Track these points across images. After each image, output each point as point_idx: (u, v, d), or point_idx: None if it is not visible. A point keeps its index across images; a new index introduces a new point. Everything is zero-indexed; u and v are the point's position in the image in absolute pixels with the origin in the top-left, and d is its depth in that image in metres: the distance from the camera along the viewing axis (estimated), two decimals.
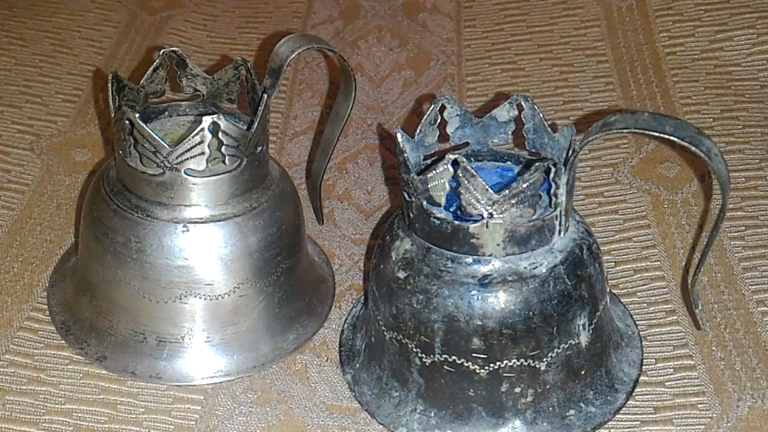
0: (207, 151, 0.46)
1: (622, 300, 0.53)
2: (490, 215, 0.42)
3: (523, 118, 0.46)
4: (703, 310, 0.51)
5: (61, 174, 0.63)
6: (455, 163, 0.42)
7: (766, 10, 0.74)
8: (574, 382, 0.46)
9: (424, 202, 0.44)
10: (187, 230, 0.48)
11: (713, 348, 0.50)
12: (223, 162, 0.48)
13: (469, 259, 0.44)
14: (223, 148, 0.47)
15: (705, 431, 0.46)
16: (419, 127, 0.46)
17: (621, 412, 0.47)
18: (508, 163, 0.48)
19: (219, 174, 0.48)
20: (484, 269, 0.44)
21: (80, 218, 0.52)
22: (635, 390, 0.48)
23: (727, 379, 0.49)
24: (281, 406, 0.48)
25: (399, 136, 0.45)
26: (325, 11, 0.82)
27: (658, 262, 0.56)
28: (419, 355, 0.46)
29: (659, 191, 0.61)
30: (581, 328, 0.45)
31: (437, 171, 0.42)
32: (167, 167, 0.47)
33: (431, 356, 0.45)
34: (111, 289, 0.50)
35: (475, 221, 0.43)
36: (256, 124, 0.48)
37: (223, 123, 0.46)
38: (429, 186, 0.43)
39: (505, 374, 0.45)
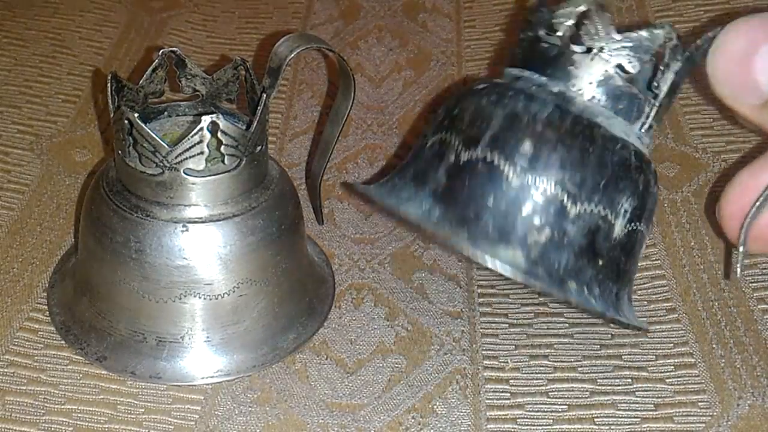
0: (206, 150, 0.46)
1: None
2: (601, 49, 0.44)
3: None
4: (743, 258, 0.47)
5: (61, 174, 0.63)
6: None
7: (766, 11, 0.73)
8: (587, 262, 0.44)
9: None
10: (187, 230, 0.48)
11: (714, 346, 0.50)
12: (222, 162, 0.48)
13: (558, 88, 0.45)
14: (222, 147, 0.47)
15: (705, 429, 0.46)
16: None
17: (620, 407, 0.47)
18: None
19: (218, 174, 0.48)
20: (566, 93, 0.45)
21: (80, 218, 0.52)
22: (636, 386, 0.48)
23: (728, 377, 0.49)
24: (281, 406, 0.48)
25: None
26: (325, 11, 0.82)
27: (659, 261, 0.56)
28: (458, 150, 0.45)
29: (659, 190, 0.61)
30: (622, 210, 0.44)
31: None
32: (166, 167, 0.47)
33: (472, 151, 0.45)
34: (110, 289, 0.50)
35: (584, 52, 0.44)
36: (255, 124, 0.48)
37: (222, 123, 0.46)
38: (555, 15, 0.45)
39: (533, 193, 0.43)
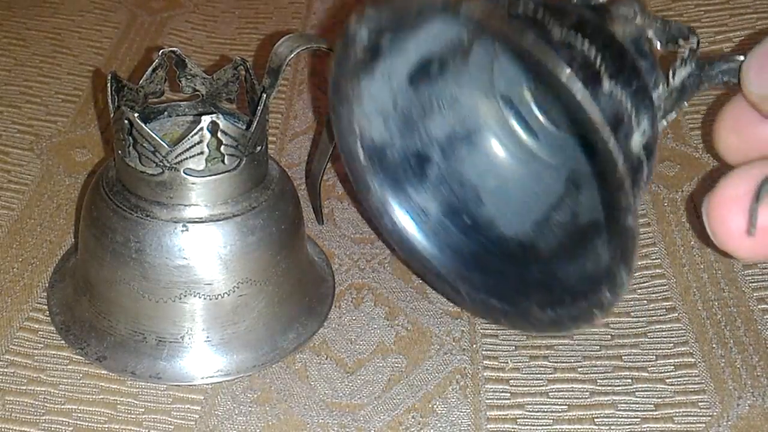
0: (206, 150, 0.46)
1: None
2: (634, 15, 0.45)
3: None
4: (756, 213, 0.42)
5: (61, 174, 0.63)
6: None
7: (766, 11, 0.74)
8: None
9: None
10: (187, 230, 0.48)
11: (713, 345, 0.50)
12: (222, 161, 0.48)
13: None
14: (222, 147, 0.47)
15: (705, 429, 0.46)
16: None
17: (620, 407, 0.47)
18: None
19: (218, 174, 0.48)
20: None
21: (80, 218, 0.52)
22: (636, 386, 0.48)
23: (728, 377, 0.49)
24: (281, 405, 0.48)
25: None
26: (325, 12, 0.82)
27: (659, 260, 0.56)
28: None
29: (659, 189, 0.61)
30: (642, 126, 0.43)
31: None
32: (166, 167, 0.47)
33: (516, 7, 0.43)
34: (110, 288, 0.50)
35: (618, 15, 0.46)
36: (254, 124, 0.48)
37: (222, 122, 0.46)
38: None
39: (575, 47, 0.42)
